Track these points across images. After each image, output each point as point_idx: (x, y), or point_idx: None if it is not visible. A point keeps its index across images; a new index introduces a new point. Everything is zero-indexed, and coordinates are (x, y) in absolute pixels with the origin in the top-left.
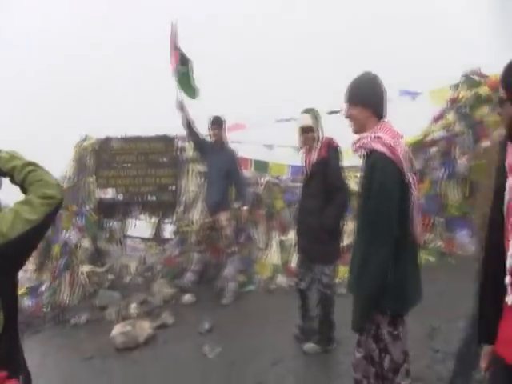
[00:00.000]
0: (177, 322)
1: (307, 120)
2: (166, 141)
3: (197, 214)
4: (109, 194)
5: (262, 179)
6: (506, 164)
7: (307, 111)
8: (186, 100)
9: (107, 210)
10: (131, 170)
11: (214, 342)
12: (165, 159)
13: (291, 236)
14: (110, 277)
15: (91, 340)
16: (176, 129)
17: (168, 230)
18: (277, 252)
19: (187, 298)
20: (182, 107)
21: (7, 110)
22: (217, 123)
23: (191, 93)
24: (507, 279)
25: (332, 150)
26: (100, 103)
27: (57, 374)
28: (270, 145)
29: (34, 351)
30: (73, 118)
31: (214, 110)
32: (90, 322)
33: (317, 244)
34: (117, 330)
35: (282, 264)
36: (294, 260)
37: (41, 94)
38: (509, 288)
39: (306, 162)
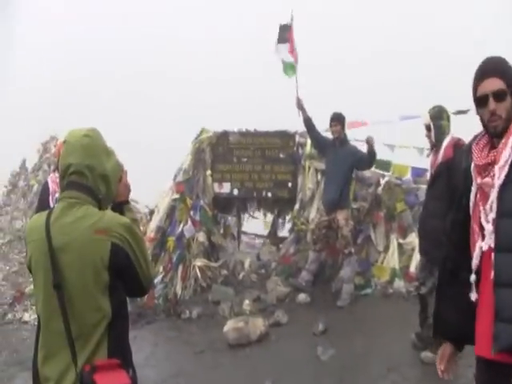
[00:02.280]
0: (290, 321)
1: (427, 118)
2: (284, 136)
3: (314, 213)
4: (225, 188)
5: (383, 179)
6: (473, 166)
7: (432, 109)
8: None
9: (223, 204)
10: (247, 164)
11: (327, 343)
12: (282, 155)
13: (411, 239)
14: (224, 272)
15: (203, 334)
16: (294, 125)
17: (284, 228)
18: (396, 255)
19: (302, 297)
20: (300, 104)
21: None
22: (337, 119)
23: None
24: (472, 277)
25: (458, 151)
26: (217, 98)
27: (168, 365)
28: (391, 145)
29: (146, 341)
30: (191, 114)
31: (334, 107)
32: (202, 316)
33: (440, 247)
34: (229, 325)
35: (401, 268)
36: (414, 264)
37: (159, 95)
38: (473, 286)
39: (432, 162)
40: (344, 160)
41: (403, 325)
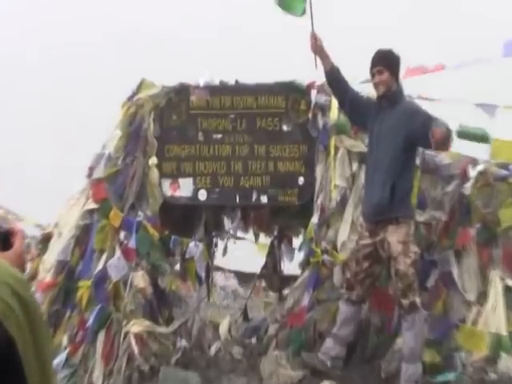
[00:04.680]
0: None
1: None
2: (291, 92)
3: (346, 232)
4: (183, 189)
5: (473, 168)
6: None
7: None
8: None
9: (180, 219)
10: (224, 145)
11: None
12: (287, 127)
13: None
14: (183, 344)
15: None
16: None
17: (291, 260)
18: (501, 309)
19: None
20: (319, 46)
21: None
22: (383, 62)
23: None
24: None
25: None
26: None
27: None
28: (492, 105)
29: None
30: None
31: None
32: None
33: None
34: None
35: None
36: None
37: None
38: None
39: None
40: (397, 132)
41: None
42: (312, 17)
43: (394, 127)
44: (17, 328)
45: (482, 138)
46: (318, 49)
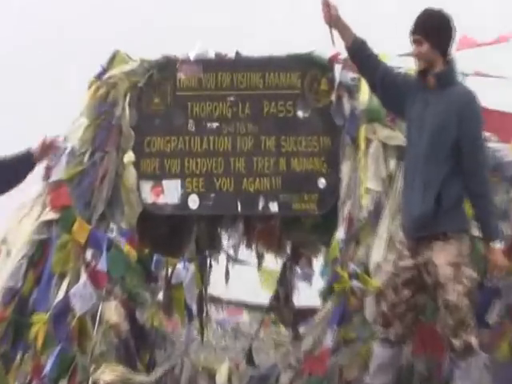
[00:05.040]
0: None
1: None
2: (308, 67)
3: (380, 250)
4: (167, 195)
5: None
6: None
7: None
8: None
9: (164, 234)
10: (221, 137)
11: None
12: (303, 113)
13: None
14: None
15: None
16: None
17: (310, 287)
18: None
19: None
20: (335, 16)
21: None
22: (422, 29)
23: None
24: None
25: None
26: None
27: None
28: None
29: None
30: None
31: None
32: None
33: None
34: None
35: None
36: None
37: None
38: None
39: None
40: (445, 123)
41: None
42: None
43: (441, 115)
44: None
45: None
46: (333, 19)
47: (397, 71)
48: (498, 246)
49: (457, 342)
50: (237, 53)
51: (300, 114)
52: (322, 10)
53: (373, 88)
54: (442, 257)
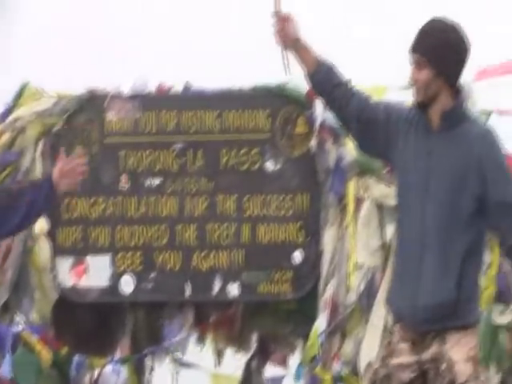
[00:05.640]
0: None
1: None
2: (280, 104)
3: (374, 342)
4: (91, 277)
5: None
6: None
7: None
8: None
9: (84, 325)
10: (164, 197)
11: None
12: (273, 164)
13: None
14: None
15: None
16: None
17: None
18: None
19: None
20: (289, 35)
21: None
22: (426, 50)
23: None
24: None
25: None
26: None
27: None
28: None
29: None
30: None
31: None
32: None
33: None
34: None
35: None
36: None
37: None
38: None
39: None
40: (461, 178)
41: None
42: None
43: (454, 169)
44: None
45: None
46: (289, 39)
47: (377, 102)
48: None
49: None
50: (185, 85)
51: (269, 165)
52: (274, 26)
53: (346, 128)
54: (461, 352)
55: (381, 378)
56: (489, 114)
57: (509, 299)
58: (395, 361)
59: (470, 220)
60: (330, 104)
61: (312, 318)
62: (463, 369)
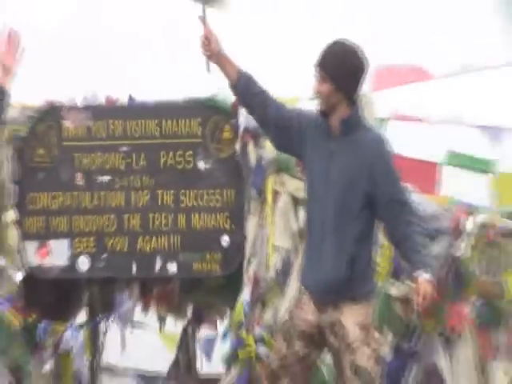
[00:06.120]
0: None
1: None
2: (209, 114)
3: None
4: (54, 256)
5: (470, 219)
6: None
7: None
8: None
9: (48, 296)
10: (113, 192)
11: None
12: (204, 164)
13: None
14: None
15: None
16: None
17: (211, 353)
18: None
19: None
20: (211, 49)
21: None
22: (327, 68)
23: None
24: None
25: None
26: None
27: None
28: (496, 127)
29: None
30: None
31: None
32: None
33: None
34: None
35: None
36: None
37: None
38: None
39: None
40: (354, 176)
41: None
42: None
43: (349, 169)
44: None
45: (482, 170)
46: (213, 53)
47: (291, 109)
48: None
49: None
50: (130, 98)
51: (201, 165)
52: (200, 41)
53: (265, 132)
54: (351, 318)
55: (288, 327)
56: (386, 120)
57: (401, 275)
58: (301, 315)
59: (359, 212)
60: (251, 110)
61: (238, 291)
62: (352, 331)
